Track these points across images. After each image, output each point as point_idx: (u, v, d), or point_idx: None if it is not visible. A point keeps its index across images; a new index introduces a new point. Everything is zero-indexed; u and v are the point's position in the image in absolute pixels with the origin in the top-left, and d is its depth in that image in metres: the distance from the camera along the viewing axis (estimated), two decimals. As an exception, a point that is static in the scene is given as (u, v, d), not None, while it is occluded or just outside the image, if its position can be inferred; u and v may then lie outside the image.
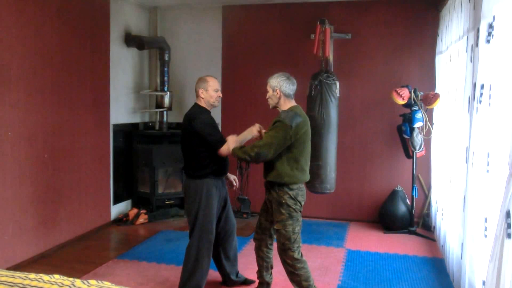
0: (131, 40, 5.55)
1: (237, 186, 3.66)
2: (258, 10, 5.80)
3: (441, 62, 4.85)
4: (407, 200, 5.23)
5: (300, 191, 3.10)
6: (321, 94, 4.73)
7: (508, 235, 1.96)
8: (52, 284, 1.91)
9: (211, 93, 3.35)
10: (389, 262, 4.25)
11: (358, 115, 5.56)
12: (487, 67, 2.58)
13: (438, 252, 4.47)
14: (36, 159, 4.12)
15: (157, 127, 5.90)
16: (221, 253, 3.56)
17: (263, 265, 3.35)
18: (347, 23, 5.50)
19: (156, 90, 5.93)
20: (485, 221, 2.58)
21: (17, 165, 3.91)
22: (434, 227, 4.99)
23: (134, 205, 5.75)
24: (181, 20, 6.08)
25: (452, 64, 4.05)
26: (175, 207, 5.73)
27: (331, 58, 5.23)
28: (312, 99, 4.76)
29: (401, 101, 4.83)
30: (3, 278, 1.97)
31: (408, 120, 4.94)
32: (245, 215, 5.69)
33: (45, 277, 1.98)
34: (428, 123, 4.96)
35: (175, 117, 6.00)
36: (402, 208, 5.15)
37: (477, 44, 2.75)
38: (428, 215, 5.32)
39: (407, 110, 4.98)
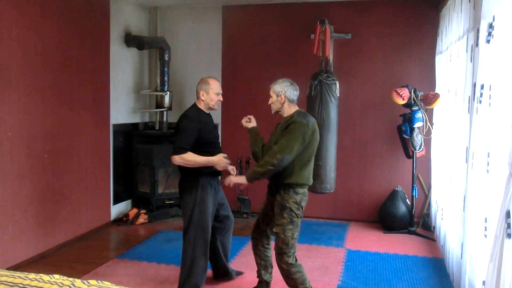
0: (131, 40, 5.55)
1: (235, 173, 3.49)
2: (258, 10, 5.80)
3: (441, 62, 4.86)
4: (407, 200, 5.23)
5: (305, 197, 3.09)
6: (321, 94, 4.73)
7: (508, 235, 1.96)
8: (52, 284, 1.91)
9: (211, 96, 3.35)
10: (389, 262, 4.25)
11: (358, 115, 5.56)
12: (487, 67, 2.58)
13: (438, 252, 4.47)
14: (36, 159, 4.12)
15: (157, 127, 5.90)
16: (220, 248, 3.60)
17: (261, 264, 3.35)
18: (347, 23, 5.49)
19: (156, 90, 5.93)
20: (485, 221, 2.58)
21: (17, 165, 3.91)
22: (434, 227, 4.99)
23: (134, 205, 5.75)
24: (181, 20, 6.08)
25: (452, 64, 4.05)
26: (175, 207, 5.72)
27: (331, 58, 5.23)
28: (312, 99, 4.76)
29: (401, 101, 4.83)
30: (3, 278, 1.97)
31: (408, 120, 4.94)
32: (245, 215, 5.69)
33: (45, 277, 1.98)
34: (428, 123, 4.96)
35: (175, 117, 5.90)
36: (402, 208, 5.15)
37: (477, 44, 2.75)
38: (428, 215, 5.32)
39: (407, 110, 4.98)
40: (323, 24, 5.08)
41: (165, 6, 6.05)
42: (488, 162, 2.56)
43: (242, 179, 3.11)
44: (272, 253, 3.33)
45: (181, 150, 3.19)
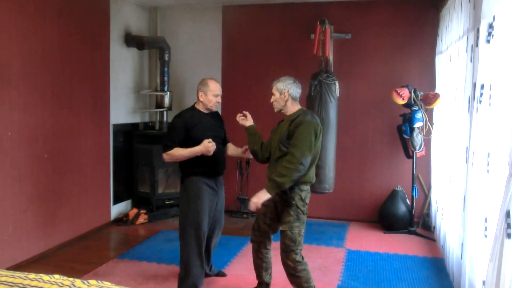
0: (131, 40, 5.55)
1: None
2: (258, 10, 5.80)
3: (441, 62, 4.86)
4: (407, 200, 5.23)
5: (308, 194, 3.10)
6: (321, 94, 4.73)
7: (508, 235, 1.96)
8: (52, 284, 1.91)
9: (209, 98, 3.38)
10: (389, 262, 4.25)
11: (358, 115, 5.56)
12: (487, 67, 2.58)
13: (438, 252, 4.47)
14: (36, 159, 4.12)
15: (157, 127, 5.90)
16: (208, 251, 3.63)
17: (262, 266, 3.32)
18: (347, 23, 5.49)
19: (156, 90, 5.93)
20: (485, 221, 2.57)
21: (17, 165, 3.91)
22: (434, 227, 4.99)
23: (134, 205, 5.75)
24: (181, 20, 6.08)
25: (452, 64, 4.05)
26: (175, 207, 5.72)
27: (331, 58, 5.23)
28: (311, 99, 4.76)
29: (401, 101, 4.83)
30: (3, 278, 1.97)
31: (408, 120, 4.94)
32: (245, 215, 5.69)
33: (45, 277, 1.98)
34: (428, 123, 4.96)
35: (175, 117, 5.99)
36: (402, 208, 5.15)
37: (477, 44, 2.75)
38: (428, 215, 5.32)
39: (407, 110, 4.98)
40: (323, 24, 5.08)
41: (165, 6, 6.05)
42: (488, 162, 2.56)
43: (264, 194, 2.93)
44: (272, 254, 3.32)
45: (167, 148, 3.31)
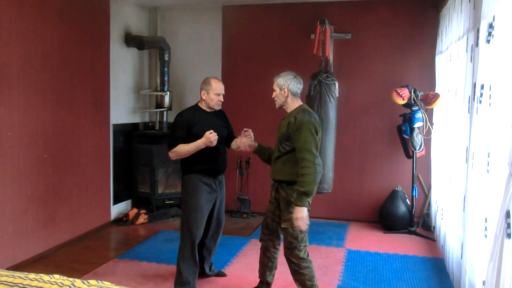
0: (131, 40, 5.55)
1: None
2: (258, 10, 5.80)
3: (441, 62, 4.86)
4: (407, 200, 5.23)
5: (317, 185, 3.06)
6: (320, 94, 4.73)
7: (508, 235, 1.96)
8: (52, 284, 1.91)
9: (211, 96, 3.41)
10: (389, 262, 4.25)
11: (358, 115, 5.56)
12: (487, 67, 2.58)
13: (438, 252, 4.47)
14: (36, 159, 4.12)
15: (157, 127, 5.90)
16: (205, 252, 3.64)
17: (268, 265, 3.31)
18: (347, 23, 5.50)
19: (156, 90, 5.93)
20: (485, 221, 2.57)
21: (17, 165, 3.91)
22: (434, 227, 4.99)
23: (134, 205, 5.75)
24: (181, 20, 6.09)
25: (452, 64, 4.05)
26: (175, 207, 5.73)
27: (331, 58, 5.23)
28: (311, 99, 4.75)
29: (401, 101, 4.83)
30: (3, 278, 1.97)
31: (408, 120, 4.94)
32: (245, 215, 5.69)
33: (45, 277, 1.98)
34: (428, 123, 4.96)
35: (175, 117, 5.99)
36: (402, 208, 5.15)
37: (477, 44, 2.75)
38: (428, 215, 5.32)
39: (407, 110, 4.98)
40: (323, 24, 5.08)
41: (165, 6, 6.05)
42: (488, 162, 2.56)
43: (300, 212, 2.86)
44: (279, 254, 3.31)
45: (171, 146, 3.37)
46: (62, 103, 4.43)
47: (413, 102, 4.87)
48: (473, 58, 2.91)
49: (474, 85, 2.80)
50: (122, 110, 5.54)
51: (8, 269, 3.48)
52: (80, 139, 4.73)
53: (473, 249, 2.86)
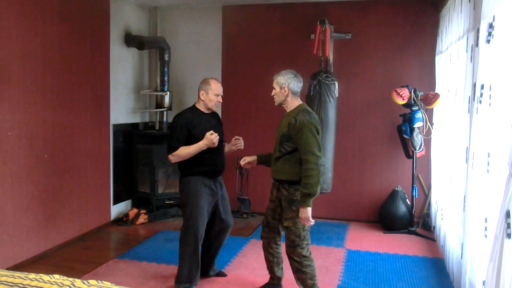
0: (131, 40, 5.55)
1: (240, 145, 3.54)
2: (258, 10, 5.80)
3: (441, 62, 4.86)
4: (407, 200, 5.23)
5: (320, 185, 3.10)
6: (320, 94, 4.73)
7: (508, 235, 1.96)
8: (52, 284, 1.91)
9: (210, 97, 3.39)
10: (389, 262, 4.25)
11: (358, 115, 5.56)
12: (487, 67, 2.58)
13: (438, 252, 4.47)
14: (36, 159, 4.12)
15: (157, 127, 5.90)
16: (211, 251, 3.64)
17: (274, 261, 3.36)
18: (347, 23, 5.49)
19: (156, 90, 5.93)
20: (485, 221, 2.58)
21: (17, 165, 3.91)
22: (434, 227, 4.99)
23: (134, 205, 5.75)
24: (181, 20, 6.09)
25: (452, 64, 4.05)
26: (175, 207, 5.72)
27: (331, 58, 5.23)
28: (310, 99, 4.76)
29: (401, 101, 4.83)
30: (3, 278, 1.97)
31: (408, 120, 4.94)
32: (245, 215, 5.69)
33: (45, 277, 1.98)
34: (428, 123, 4.96)
35: (175, 117, 5.99)
36: (402, 208, 5.15)
37: (477, 44, 2.75)
38: (428, 215, 5.32)
39: (407, 110, 4.98)
40: (323, 24, 5.08)
41: (165, 6, 6.05)
42: (488, 162, 2.56)
43: (305, 212, 2.94)
44: (282, 249, 3.34)
45: (172, 149, 3.33)
46: (62, 103, 4.43)
47: (413, 102, 4.87)
48: (473, 58, 2.91)
49: (474, 85, 2.80)
50: (122, 110, 5.54)
51: (8, 269, 3.48)
52: (80, 139, 4.73)
53: (473, 249, 2.86)
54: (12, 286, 1.90)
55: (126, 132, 5.62)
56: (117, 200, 5.48)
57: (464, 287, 3.07)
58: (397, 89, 4.86)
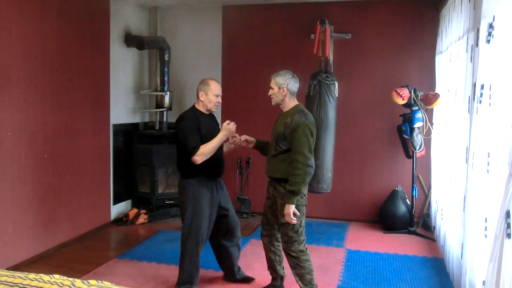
0: (131, 40, 5.55)
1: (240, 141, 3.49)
2: (258, 10, 5.80)
3: (441, 62, 4.86)
4: (407, 200, 5.23)
5: (306, 185, 3.16)
6: (320, 94, 4.73)
7: (508, 235, 1.96)
8: (52, 284, 1.91)
9: (210, 98, 3.36)
10: (389, 262, 4.25)
11: (358, 115, 5.56)
12: (487, 67, 2.58)
13: (438, 252, 4.47)
14: (36, 159, 4.12)
15: (157, 127, 5.91)
16: (222, 250, 3.61)
17: (276, 259, 3.39)
18: (347, 23, 5.49)
19: (156, 90, 5.93)
20: (485, 221, 2.58)
21: (17, 165, 3.91)
22: (434, 227, 4.99)
23: (134, 205, 5.75)
24: (181, 20, 6.09)
25: (452, 64, 4.05)
26: (175, 207, 5.72)
27: (331, 58, 5.23)
28: (310, 99, 4.76)
29: (401, 101, 4.83)
30: (3, 278, 1.97)
31: (408, 120, 4.94)
32: (245, 215, 5.69)
33: (45, 277, 1.98)
34: (428, 123, 4.96)
35: (175, 117, 5.93)
36: (402, 208, 5.15)
37: (477, 44, 2.75)
38: (428, 215, 5.32)
39: (407, 110, 4.98)
40: (323, 24, 5.08)
41: (165, 6, 6.06)
42: (488, 162, 2.56)
43: (289, 208, 3.03)
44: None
45: (195, 149, 3.22)
46: (62, 103, 4.43)
47: (413, 102, 4.87)
48: (473, 58, 2.91)
49: (474, 85, 2.80)
50: (122, 110, 5.54)
51: (8, 269, 3.48)
52: (80, 139, 4.73)
53: (473, 249, 2.86)
54: (12, 286, 1.90)
55: (126, 132, 5.62)
56: (117, 200, 5.48)
57: (464, 287, 3.07)
58: (397, 89, 4.86)
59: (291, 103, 3.18)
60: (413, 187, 5.04)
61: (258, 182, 5.74)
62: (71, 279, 1.98)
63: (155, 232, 5.08)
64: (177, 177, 5.82)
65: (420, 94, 4.93)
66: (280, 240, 3.35)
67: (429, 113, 5.11)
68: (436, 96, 4.74)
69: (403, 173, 5.41)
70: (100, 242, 4.77)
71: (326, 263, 4.16)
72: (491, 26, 2.47)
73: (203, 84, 3.39)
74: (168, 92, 5.81)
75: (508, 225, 1.96)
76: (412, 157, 5.07)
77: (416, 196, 5.11)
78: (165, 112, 5.85)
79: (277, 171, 3.16)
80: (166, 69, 5.80)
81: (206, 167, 3.34)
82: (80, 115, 4.71)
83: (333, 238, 4.95)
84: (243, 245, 4.59)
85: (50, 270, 2.91)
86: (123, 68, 5.54)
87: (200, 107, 3.42)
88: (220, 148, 3.48)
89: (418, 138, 4.96)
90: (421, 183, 5.45)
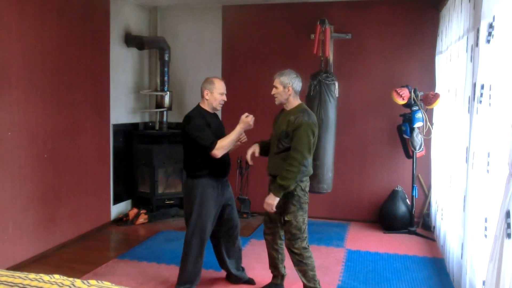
0: (131, 40, 5.55)
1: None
2: (258, 10, 5.80)
3: (441, 62, 4.86)
4: (407, 200, 5.23)
5: (308, 183, 3.23)
6: (320, 94, 4.74)
7: (508, 235, 1.96)
8: (52, 284, 1.91)
9: (215, 96, 3.36)
10: (389, 262, 4.25)
11: (358, 115, 5.56)
12: (487, 67, 2.58)
13: (438, 252, 4.47)
14: (36, 159, 4.12)
15: (157, 127, 5.91)
16: (224, 252, 3.61)
17: (278, 258, 3.41)
18: (347, 23, 5.49)
19: (156, 90, 5.93)
20: (485, 221, 2.58)
21: (17, 165, 3.91)
22: (434, 227, 4.99)
23: (134, 205, 5.75)
24: (181, 20, 6.09)
25: (452, 64, 4.05)
26: (175, 207, 5.73)
27: (331, 58, 5.23)
28: (311, 99, 4.76)
29: (401, 101, 4.83)
30: (3, 278, 1.97)
31: (408, 120, 4.94)
32: (245, 215, 5.69)
33: (45, 277, 1.98)
34: (428, 123, 4.96)
35: (175, 117, 6.00)
36: (402, 208, 5.15)
37: (477, 44, 2.75)
38: (428, 215, 5.32)
39: (407, 110, 4.98)
40: (323, 24, 5.08)
41: (165, 6, 6.06)
42: (488, 162, 2.56)
43: (272, 199, 3.09)
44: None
45: (213, 144, 3.23)
46: (62, 103, 4.43)
47: (413, 102, 4.87)
48: (473, 58, 2.91)
49: (474, 85, 2.80)
50: (122, 110, 5.54)
51: (8, 269, 3.48)
52: (80, 139, 4.73)
53: (473, 249, 2.86)
54: (12, 286, 1.90)
55: (126, 132, 5.62)
56: (117, 200, 5.48)
57: (464, 287, 3.07)
58: (397, 89, 4.86)
59: (294, 102, 3.21)
60: (413, 187, 5.04)
61: (258, 182, 5.75)
62: (71, 279, 1.98)
63: (155, 232, 5.08)
64: (177, 177, 5.88)
65: (420, 94, 4.93)
66: (282, 238, 3.37)
67: (429, 113, 5.11)
68: (436, 96, 4.74)
69: (403, 173, 5.41)
70: (100, 242, 4.77)
71: (326, 263, 4.16)
72: (491, 26, 2.47)
73: (208, 83, 3.38)
74: (168, 92, 5.81)
75: (508, 225, 1.96)
76: (412, 157, 5.07)
77: (416, 196, 5.11)
78: (165, 112, 5.85)
79: (279, 169, 3.15)
80: (166, 69, 5.80)
81: (213, 167, 3.34)
82: (80, 115, 4.71)
83: (333, 238, 4.95)
84: (243, 245, 4.58)
85: (50, 270, 2.91)
86: (123, 68, 5.54)
87: (205, 106, 3.41)
88: None
89: (418, 138, 4.96)
90: (421, 183, 5.45)
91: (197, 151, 3.30)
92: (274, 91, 3.20)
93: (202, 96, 3.39)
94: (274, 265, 3.45)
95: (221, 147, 3.24)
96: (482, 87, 2.64)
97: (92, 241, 4.76)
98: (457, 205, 3.49)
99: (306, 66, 5.23)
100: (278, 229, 3.35)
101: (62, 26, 4.40)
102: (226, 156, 3.41)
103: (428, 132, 5.02)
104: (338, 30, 5.39)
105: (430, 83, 5.21)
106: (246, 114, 3.30)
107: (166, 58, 5.77)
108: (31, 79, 4.04)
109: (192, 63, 6.06)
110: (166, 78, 5.81)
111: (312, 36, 5.33)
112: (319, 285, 3.26)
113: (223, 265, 3.67)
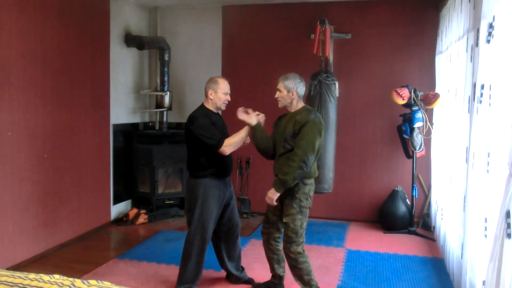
0: (131, 40, 5.55)
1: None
2: (258, 10, 5.80)
3: (441, 62, 4.86)
4: (407, 200, 5.23)
5: (312, 187, 3.21)
6: (320, 94, 4.74)
7: (508, 235, 1.96)
8: (52, 284, 1.91)
9: (219, 96, 3.37)
10: (389, 262, 4.25)
11: (358, 115, 5.56)
12: (487, 67, 2.58)
13: (438, 252, 4.47)
14: (36, 159, 4.12)
15: (157, 127, 5.91)
16: (224, 251, 3.61)
17: (274, 258, 3.42)
18: (347, 23, 5.49)
19: (156, 90, 5.93)
20: (485, 221, 2.58)
21: (17, 165, 3.91)
22: (434, 227, 4.99)
23: (134, 205, 5.75)
24: (181, 20, 6.08)
25: (452, 64, 4.05)
26: (175, 207, 5.73)
27: (331, 58, 5.23)
28: (311, 99, 4.76)
29: (401, 101, 4.83)
30: (3, 278, 1.97)
31: (408, 120, 4.94)
32: (245, 215, 5.69)
33: (45, 277, 1.98)
34: (428, 123, 4.96)
35: (175, 117, 6.00)
36: (402, 208, 5.15)
37: (477, 44, 2.75)
38: (428, 215, 5.32)
39: (407, 110, 4.98)
40: (323, 24, 5.08)
41: (165, 6, 6.05)
42: (488, 162, 2.56)
43: (272, 193, 3.12)
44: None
45: (221, 141, 3.24)
46: (62, 103, 4.43)
47: (413, 102, 4.87)
48: (473, 58, 2.91)
49: (474, 85, 2.80)
50: (122, 110, 5.54)
51: (8, 269, 3.48)
52: (80, 139, 4.73)
53: (473, 249, 2.86)
54: (12, 286, 1.90)
55: (126, 132, 5.62)
56: (117, 200, 5.48)
57: (464, 287, 3.07)
58: (397, 89, 4.86)
59: (298, 105, 3.23)
60: (413, 187, 5.04)
61: (258, 182, 5.75)
62: (71, 279, 1.98)
63: (155, 232, 5.08)
64: (177, 177, 5.88)
65: (420, 94, 4.93)
66: (278, 240, 3.38)
67: (429, 113, 5.11)
68: (436, 96, 4.74)
69: (403, 173, 5.41)
70: (100, 242, 4.77)
71: (326, 263, 4.16)
72: (491, 26, 2.47)
73: (212, 83, 3.39)
74: (168, 92, 5.81)
75: (508, 225, 1.96)
76: (412, 157, 5.07)
77: (416, 196, 5.11)
78: (165, 112, 5.85)
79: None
80: (166, 69, 5.80)
81: (216, 167, 3.35)
82: (80, 115, 4.71)
83: (333, 238, 4.95)
84: (243, 245, 4.59)
85: (50, 270, 2.91)
86: (123, 68, 5.54)
87: (209, 106, 3.41)
88: None
89: (418, 138, 4.96)
90: (421, 183, 5.45)
91: (201, 150, 3.30)
92: (277, 94, 3.21)
93: (206, 96, 3.40)
94: (270, 264, 3.47)
95: (230, 144, 3.26)
96: (482, 87, 2.64)
97: (92, 241, 4.76)
98: (457, 205, 3.49)
99: (306, 66, 5.23)
100: (273, 230, 3.36)
101: (62, 26, 4.40)
102: (228, 156, 3.41)
103: (428, 132, 5.02)
104: (338, 30, 5.39)
105: (430, 83, 5.21)
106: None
107: (166, 58, 5.77)
108: (31, 79, 4.04)
109: (192, 63, 6.06)
110: (166, 78, 5.81)
111: (312, 36, 5.33)
112: None
113: (223, 264, 3.67)
